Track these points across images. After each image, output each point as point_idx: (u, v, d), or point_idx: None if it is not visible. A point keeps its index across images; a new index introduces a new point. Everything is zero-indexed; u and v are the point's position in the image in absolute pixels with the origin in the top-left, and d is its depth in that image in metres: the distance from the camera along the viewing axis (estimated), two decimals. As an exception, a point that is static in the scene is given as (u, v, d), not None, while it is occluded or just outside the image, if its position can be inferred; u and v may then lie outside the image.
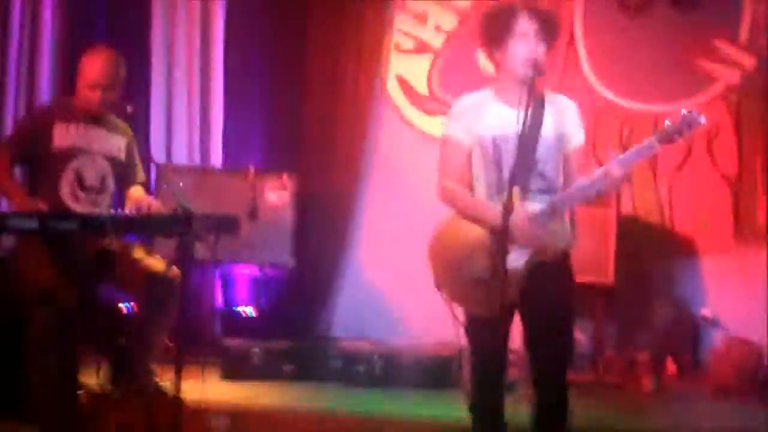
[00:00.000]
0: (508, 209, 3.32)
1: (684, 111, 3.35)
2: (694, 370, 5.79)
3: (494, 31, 3.53)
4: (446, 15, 6.46)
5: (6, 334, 4.42)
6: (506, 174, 3.47)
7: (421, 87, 6.51)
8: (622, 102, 6.21)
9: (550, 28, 3.54)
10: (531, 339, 3.52)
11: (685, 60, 6.06)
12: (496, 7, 3.60)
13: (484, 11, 3.67)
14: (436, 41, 6.49)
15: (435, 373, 5.33)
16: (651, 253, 6.10)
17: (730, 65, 6.02)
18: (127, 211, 4.43)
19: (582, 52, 6.23)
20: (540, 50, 3.49)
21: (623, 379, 5.64)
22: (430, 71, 6.50)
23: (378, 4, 6.40)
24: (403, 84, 6.53)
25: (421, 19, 6.50)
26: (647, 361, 5.67)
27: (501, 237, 3.33)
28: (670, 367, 5.75)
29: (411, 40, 6.52)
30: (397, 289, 6.22)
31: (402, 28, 6.52)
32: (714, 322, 5.88)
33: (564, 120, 3.57)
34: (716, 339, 5.82)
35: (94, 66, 4.53)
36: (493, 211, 3.41)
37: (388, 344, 5.76)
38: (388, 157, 6.49)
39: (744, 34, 6.01)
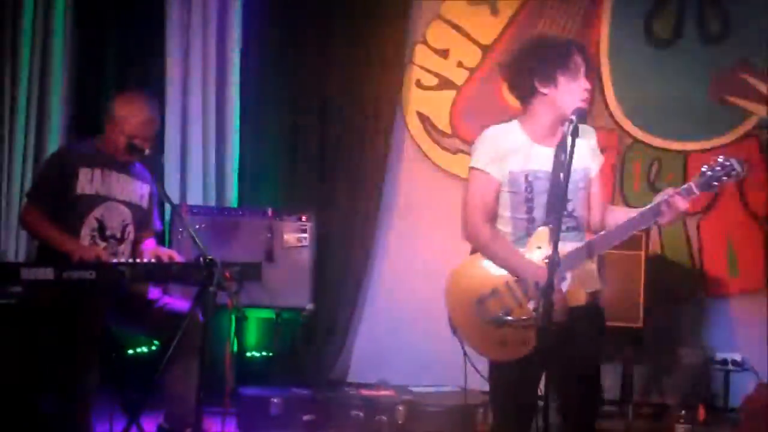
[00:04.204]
0: (553, 258, 3.16)
1: (721, 159, 3.29)
2: (725, 417, 5.60)
3: (546, 64, 3.40)
4: (469, 51, 6.25)
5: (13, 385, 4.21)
6: (536, 213, 3.37)
7: (443, 124, 6.29)
8: (651, 138, 6.02)
9: (592, 68, 3.47)
10: (557, 386, 3.38)
11: (714, 95, 5.88)
12: (551, 41, 3.53)
13: (535, 43, 3.52)
14: (458, 78, 6.28)
15: (460, 421, 5.15)
16: (680, 295, 5.90)
17: (760, 101, 5.84)
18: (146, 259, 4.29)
19: (609, 86, 6.05)
20: (589, 86, 3.42)
21: (653, 426, 5.47)
22: (452, 108, 6.28)
23: (398, 41, 6.20)
24: (425, 121, 6.32)
25: (443, 54, 6.29)
26: (677, 407, 5.48)
27: (531, 283, 3.28)
28: (701, 413, 5.54)
29: (432, 76, 6.31)
30: (416, 332, 5.98)
31: (423, 64, 6.32)
32: (745, 367, 5.70)
33: (587, 151, 3.47)
34: (748, 384, 5.60)
35: (139, 116, 4.39)
36: (528, 261, 3.33)
37: (410, 391, 5.57)
38: (409, 196, 6.29)
39: (774, 69, 5.84)
